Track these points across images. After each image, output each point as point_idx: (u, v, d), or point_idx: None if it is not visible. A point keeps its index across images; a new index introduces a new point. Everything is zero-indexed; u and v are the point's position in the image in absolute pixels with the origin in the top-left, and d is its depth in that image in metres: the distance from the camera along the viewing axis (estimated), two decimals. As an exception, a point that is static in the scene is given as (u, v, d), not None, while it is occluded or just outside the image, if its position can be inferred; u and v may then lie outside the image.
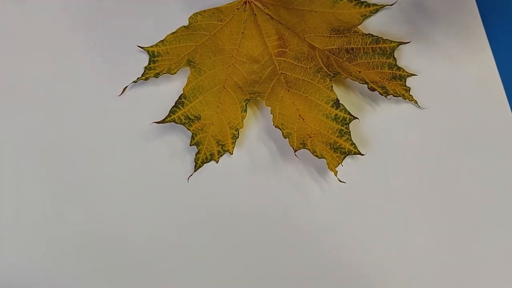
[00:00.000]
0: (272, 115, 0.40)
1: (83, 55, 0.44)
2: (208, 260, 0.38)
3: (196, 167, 0.39)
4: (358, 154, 0.39)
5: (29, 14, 0.45)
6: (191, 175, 0.40)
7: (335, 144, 0.39)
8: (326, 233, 0.39)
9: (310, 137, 0.39)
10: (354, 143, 0.39)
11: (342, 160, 0.39)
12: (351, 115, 0.40)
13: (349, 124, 0.40)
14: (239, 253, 0.38)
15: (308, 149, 0.39)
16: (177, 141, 0.41)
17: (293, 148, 0.39)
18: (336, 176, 0.38)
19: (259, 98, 0.41)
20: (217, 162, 0.40)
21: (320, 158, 0.38)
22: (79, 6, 0.46)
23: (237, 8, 0.45)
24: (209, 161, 0.40)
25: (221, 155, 0.40)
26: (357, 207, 0.39)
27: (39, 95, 0.42)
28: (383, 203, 0.40)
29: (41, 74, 0.43)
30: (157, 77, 0.42)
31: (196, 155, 0.39)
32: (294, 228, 0.39)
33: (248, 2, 0.45)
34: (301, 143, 0.39)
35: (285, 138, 0.39)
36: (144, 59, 0.43)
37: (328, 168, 0.38)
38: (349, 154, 0.39)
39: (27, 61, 0.44)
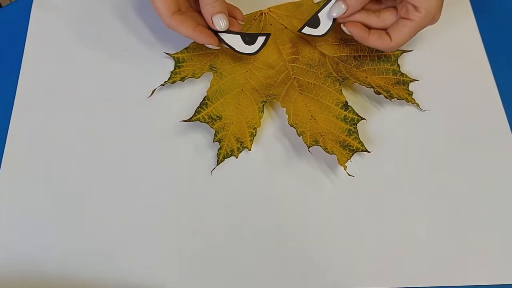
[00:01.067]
0: (287, 115, 0.43)
1: (116, 61, 0.47)
2: (228, 244, 0.40)
3: (218, 162, 0.42)
4: (365, 151, 0.42)
5: (66, 26, 0.49)
6: (213, 169, 0.42)
7: (344, 142, 0.42)
8: (335, 222, 0.41)
9: (322, 136, 0.42)
10: (362, 142, 0.42)
11: (351, 157, 0.41)
12: (358, 116, 0.43)
13: (357, 124, 0.42)
14: (256, 238, 0.40)
15: (320, 146, 0.41)
16: (201, 138, 0.44)
17: (306, 145, 0.41)
18: (345, 170, 0.41)
19: (275, 100, 0.44)
20: (236, 157, 0.42)
21: (331, 154, 0.41)
22: (111, 17, 0.49)
23: (254, 19, 0.48)
24: (229, 157, 0.42)
25: (241, 151, 0.43)
26: (364, 199, 0.42)
27: (78, 97, 0.46)
28: (387, 196, 0.42)
29: (79, 78, 0.47)
30: (183, 81, 0.45)
31: (218, 151, 0.42)
32: (306, 217, 0.41)
33: (264, 13, 0.49)
34: (314, 141, 0.42)
35: (299, 136, 0.42)
36: (170, 65, 0.46)
37: (338, 163, 0.41)
38: (357, 151, 0.41)
39: (68, 67, 0.47)
